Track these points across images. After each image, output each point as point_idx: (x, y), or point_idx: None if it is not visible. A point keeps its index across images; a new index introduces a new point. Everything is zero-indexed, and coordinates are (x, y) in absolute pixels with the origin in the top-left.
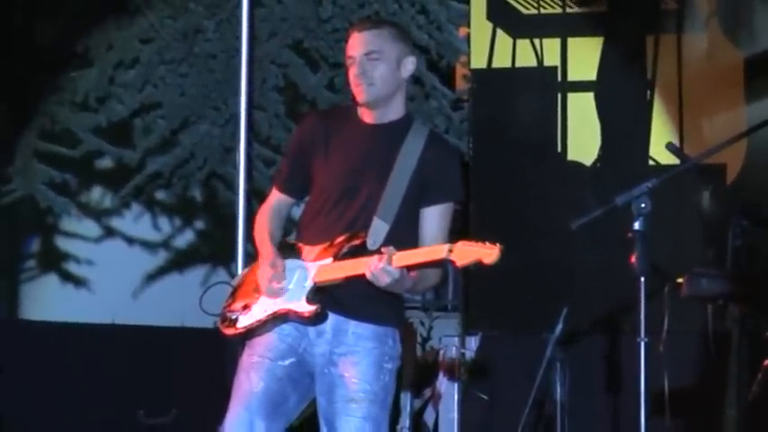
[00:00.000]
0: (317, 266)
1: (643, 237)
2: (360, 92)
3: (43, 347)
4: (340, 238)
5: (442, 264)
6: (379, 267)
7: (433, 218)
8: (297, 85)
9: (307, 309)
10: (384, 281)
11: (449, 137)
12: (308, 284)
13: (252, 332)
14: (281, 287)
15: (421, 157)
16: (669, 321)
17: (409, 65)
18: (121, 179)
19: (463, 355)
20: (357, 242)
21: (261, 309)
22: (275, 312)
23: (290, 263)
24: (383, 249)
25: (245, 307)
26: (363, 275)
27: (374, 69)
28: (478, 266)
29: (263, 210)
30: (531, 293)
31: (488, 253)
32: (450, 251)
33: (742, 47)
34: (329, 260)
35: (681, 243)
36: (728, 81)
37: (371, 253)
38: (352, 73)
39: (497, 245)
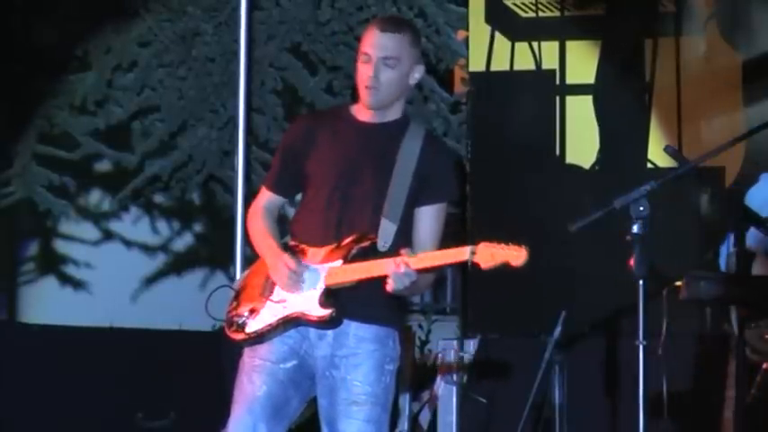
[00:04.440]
0: (326, 269)
1: (641, 240)
2: (366, 94)
3: (42, 350)
4: (348, 240)
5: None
6: (402, 272)
7: (427, 218)
8: (295, 88)
9: (320, 313)
10: (404, 284)
11: (447, 140)
12: (320, 287)
13: (262, 336)
14: (300, 286)
15: (419, 156)
16: (668, 324)
17: (417, 73)
18: (120, 182)
19: (462, 358)
20: (366, 244)
21: (270, 313)
22: (287, 317)
23: (299, 262)
24: (402, 251)
25: (253, 311)
26: (375, 278)
27: (387, 75)
28: (504, 268)
29: (255, 212)
30: (529, 296)
31: (516, 255)
32: (474, 253)
33: (740, 49)
34: (339, 262)
35: (679, 246)
36: (727, 84)
37: (382, 254)
38: (365, 72)
39: (523, 247)
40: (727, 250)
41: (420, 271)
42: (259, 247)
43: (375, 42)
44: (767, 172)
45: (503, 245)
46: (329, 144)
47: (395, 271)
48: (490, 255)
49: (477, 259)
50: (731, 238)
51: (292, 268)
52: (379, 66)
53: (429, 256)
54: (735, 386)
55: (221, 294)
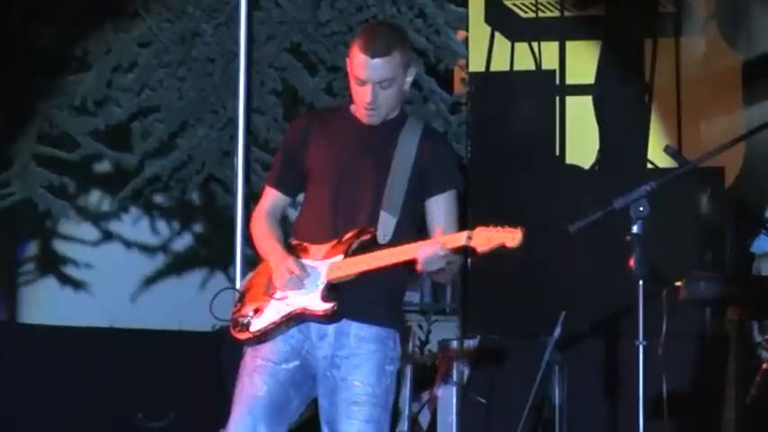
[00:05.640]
0: (327, 264)
1: (641, 240)
2: (366, 115)
3: (42, 350)
4: (348, 234)
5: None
6: (437, 252)
7: (441, 206)
8: (295, 88)
9: (322, 307)
10: (438, 265)
11: None
12: (322, 282)
13: (266, 335)
14: (303, 285)
15: (418, 149)
16: (667, 324)
17: (410, 77)
18: (120, 182)
19: (462, 358)
20: (367, 237)
21: (274, 311)
22: (290, 313)
23: (301, 263)
24: (436, 232)
25: (257, 310)
26: (376, 270)
27: (384, 95)
28: (500, 252)
29: (259, 215)
30: (529, 297)
31: (511, 237)
32: (470, 238)
33: (740, 50)
34: (340, 257)
35: (679, 246)
36: (726, 84)
37: (382, 247)
38: (362, 96)
39: (519, 228)
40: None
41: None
42: (262, 250)
43: (367, 69)
44: None
45: (498, 228)
46: (329, 142)
47: (431, 253)
48: (486, 238)
49: (473, 243)
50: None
51: (295, 273)
52: (376, 90)
53: (427, 243)
54: (735, 386)
55: (222, 294)
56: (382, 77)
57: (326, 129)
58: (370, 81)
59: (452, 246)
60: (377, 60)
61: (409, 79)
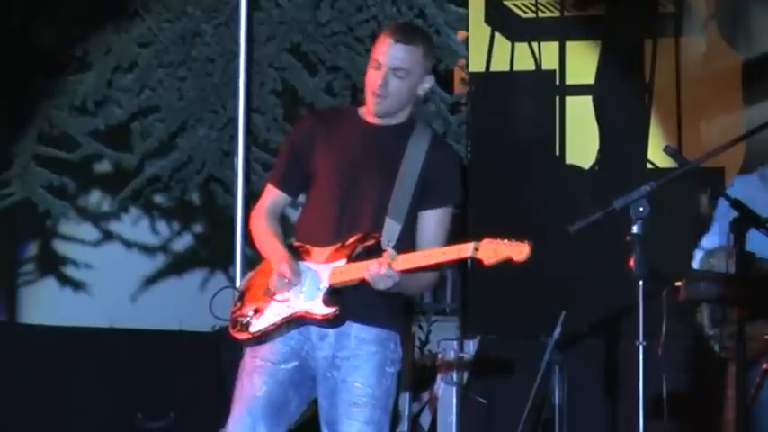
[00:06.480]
0: (330, 268)
1: (641, 240)
2: (373, 102)
3: (42, 351)
4: (352, 239)
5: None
6: (381, 272)
7: (432, 221)
8: (295, 88)
9: (324, 311)
10: (386, 285)
11: (447, 140)
12: (324, 286)
13: (266, 336)
14: (299, 288)
15: (426, 156)
16: (667, 325)
17: (426, 84)
18: (120, 183)
19: (461, 358)
20: (371, 243)
21: (274, 312)
22: (291, 315)
23: (302, 265)
24: (385, 253)
25: (257, 311)
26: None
27: (395, 85)
28: (507, 265)
29: (259, 212)
30: (529, 297)
31: (519, 250)
32: (477, 249)
33: (740, 50)
34: (342, 261)
35: (679, 246)
36: (727, 84)
37: (385, 252)
38: (374, 79)
39: (527, 242)
40: (701, 252)
41: (412, 270)
42: (262, 248)
43: (387, 52)
44: (739, 174)
45: (506, 241)
46: (334, 143)
47: (376, 272)
48: (493, 251)
49: (480, 255)
50: (705, 238)
51: (287, 276)
52: (389, 76)
53: (427, 254)
54: (735, 386)
55: (222, 294)
56: (399, 65)
57: (332, 130)
58: (386, 65)
59: (457, 257)
60: (399, 45)
61: (425, 86)
